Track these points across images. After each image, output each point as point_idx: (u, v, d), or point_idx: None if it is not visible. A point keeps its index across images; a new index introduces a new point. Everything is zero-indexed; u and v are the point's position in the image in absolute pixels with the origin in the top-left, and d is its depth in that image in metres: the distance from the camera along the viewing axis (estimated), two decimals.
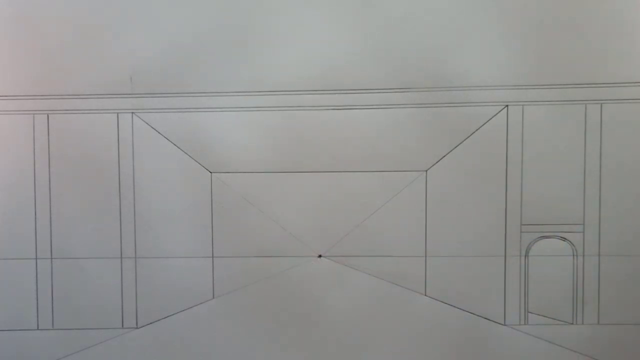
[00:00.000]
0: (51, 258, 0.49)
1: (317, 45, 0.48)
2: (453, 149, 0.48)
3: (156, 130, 0.48)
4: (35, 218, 0.49)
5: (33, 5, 0.48)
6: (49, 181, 0.48)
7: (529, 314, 0.48)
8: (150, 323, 0.49)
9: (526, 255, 0.48)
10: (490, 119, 0.48)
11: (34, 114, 0.48)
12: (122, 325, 0.49)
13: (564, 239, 0.48)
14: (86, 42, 0.48)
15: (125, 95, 0.48)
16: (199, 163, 0.48)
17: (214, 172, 0.49)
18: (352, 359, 0.49)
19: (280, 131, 0.48)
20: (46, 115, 0.48)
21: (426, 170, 0.48)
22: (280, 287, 0.49)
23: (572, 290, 0.48)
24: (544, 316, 0.48)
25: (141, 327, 0.49)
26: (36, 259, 0.49)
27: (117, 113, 0.48)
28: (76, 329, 0.49)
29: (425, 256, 0.48)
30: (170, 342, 0.49)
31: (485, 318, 0.48)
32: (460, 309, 0.48)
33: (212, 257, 0.49)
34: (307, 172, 0.48)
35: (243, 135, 0.48)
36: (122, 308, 0.49)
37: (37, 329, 0.49)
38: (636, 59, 0.47)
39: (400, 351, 0.48)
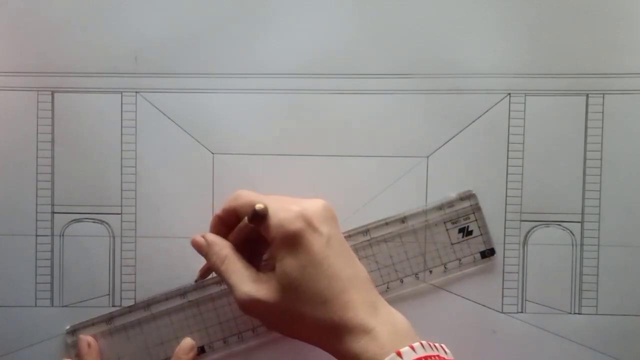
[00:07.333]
0: (52, 235, 0.49)
1: (321, 29, 0.48)
2: (455, 135, 0.48)
3: (160, 111, 0.49)
4: (37, 196, 0.49)
5: None
6: (52, 159, 0.49)
7: (527, 303, 0.48)
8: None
9: (525, 244, 0.48)
10: (493, 107, 0.48)
11: (38, 91, 0.49)
12: (121, 304, 0.49)
13: (564, 228, 0.48)
14: (92, 21, 0.48)
15: (129, 75, 0.48)
16: (201, 144, 0.49)
17: (216, 154, 0.49)
18: None
19: (283, 114, 0.48)
20: (50, 92, 0.49)
21: (427, 157, 0.48)
22: None
23: (571, 280, 0.48)
24: (542, 305, 0.48)
25: None
26: (36, 235, 0.49)
27: (121, 92, 0.49)
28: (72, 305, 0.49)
29: (425, 242, 0.48)
30: None
31: (483, 305, 0.48)
32: (458, 295, 0.48)
33: None
34: (308, 155, 0.48)
35: (246, 117, 0.48)
36: (121, 287, 0.49)
37: (35, 305, 0.49)
38: (639, 50, 0.47)
39: None
